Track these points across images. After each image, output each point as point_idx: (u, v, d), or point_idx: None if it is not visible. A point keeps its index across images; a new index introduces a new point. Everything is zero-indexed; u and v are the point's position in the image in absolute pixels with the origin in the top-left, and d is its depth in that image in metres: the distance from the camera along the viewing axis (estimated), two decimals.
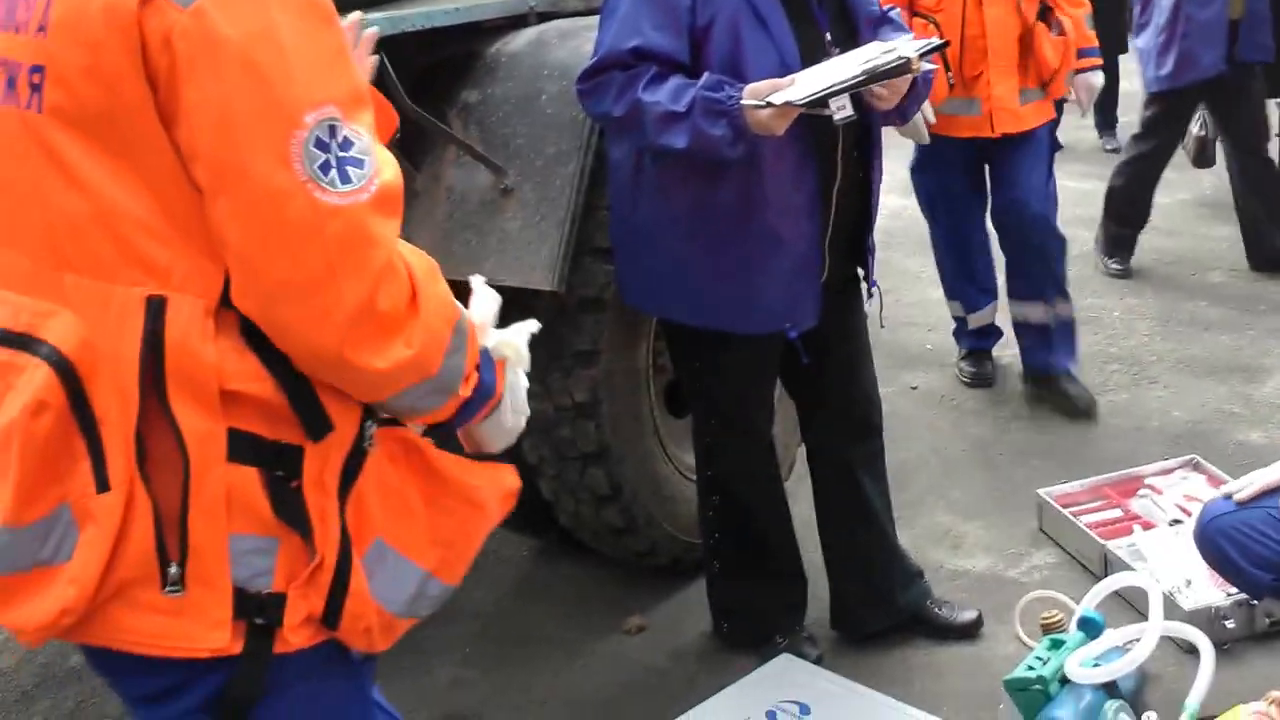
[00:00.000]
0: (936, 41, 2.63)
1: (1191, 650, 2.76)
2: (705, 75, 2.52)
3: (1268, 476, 2.70)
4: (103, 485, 1.32)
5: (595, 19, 2.75)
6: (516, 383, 1.57)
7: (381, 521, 1.43)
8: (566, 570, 3.60)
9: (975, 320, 4.67)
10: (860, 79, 2.42)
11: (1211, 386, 4.57)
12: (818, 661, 3.02)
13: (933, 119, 4.05)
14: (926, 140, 4.11)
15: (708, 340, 2.84)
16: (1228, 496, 2.74)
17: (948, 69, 4.08)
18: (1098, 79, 4.49)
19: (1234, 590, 3.08)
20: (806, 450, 3.16)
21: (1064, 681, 2.72)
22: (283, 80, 1.29)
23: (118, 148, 1.32)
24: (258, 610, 1.36)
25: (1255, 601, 2.94)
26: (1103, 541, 3.40)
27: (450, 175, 3.01)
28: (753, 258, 2.70)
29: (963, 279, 4.62)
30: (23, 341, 1.35)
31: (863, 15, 2.76)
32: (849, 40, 2.69)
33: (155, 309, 1.31)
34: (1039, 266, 4.33)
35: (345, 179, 1.30)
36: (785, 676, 2.85)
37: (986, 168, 4.43)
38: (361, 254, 1.31)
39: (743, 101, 2.45)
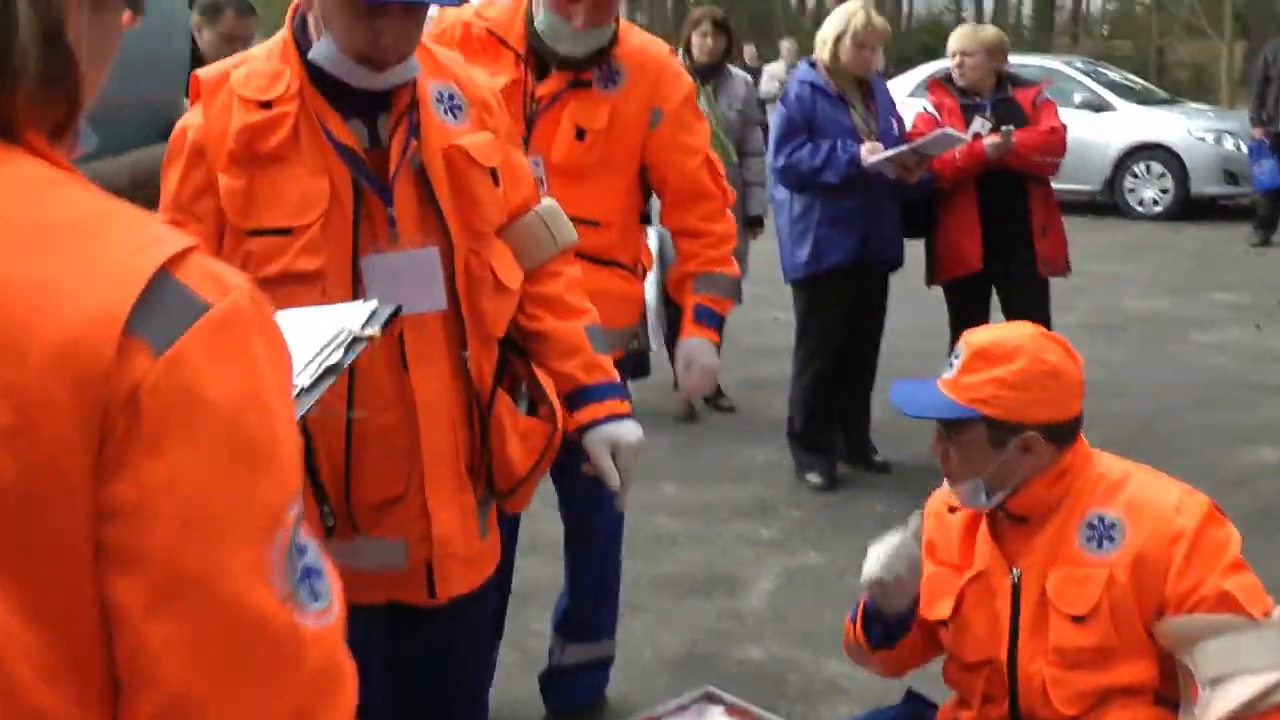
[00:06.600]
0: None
1: None
2: None
3: None
4: None
5: None
6: None
7: None
8: None
9: None
10: None
11: (697, 605, 4.21)
12: None
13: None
14: None
15: None
16: None
17: (324, 502, 2.16)
18: None
19: None
20: None
21: None
22: (273, 462, 0.92)
23: (9, 547, 0.87)
24: None
25: None
26: None
27: None
28: None
29: None
30: None
31: None
32: None
33: None
34: None
35: (314, 594, 0.94)
36: None
37: None
38: (339, 694, 0.96)
39: None
